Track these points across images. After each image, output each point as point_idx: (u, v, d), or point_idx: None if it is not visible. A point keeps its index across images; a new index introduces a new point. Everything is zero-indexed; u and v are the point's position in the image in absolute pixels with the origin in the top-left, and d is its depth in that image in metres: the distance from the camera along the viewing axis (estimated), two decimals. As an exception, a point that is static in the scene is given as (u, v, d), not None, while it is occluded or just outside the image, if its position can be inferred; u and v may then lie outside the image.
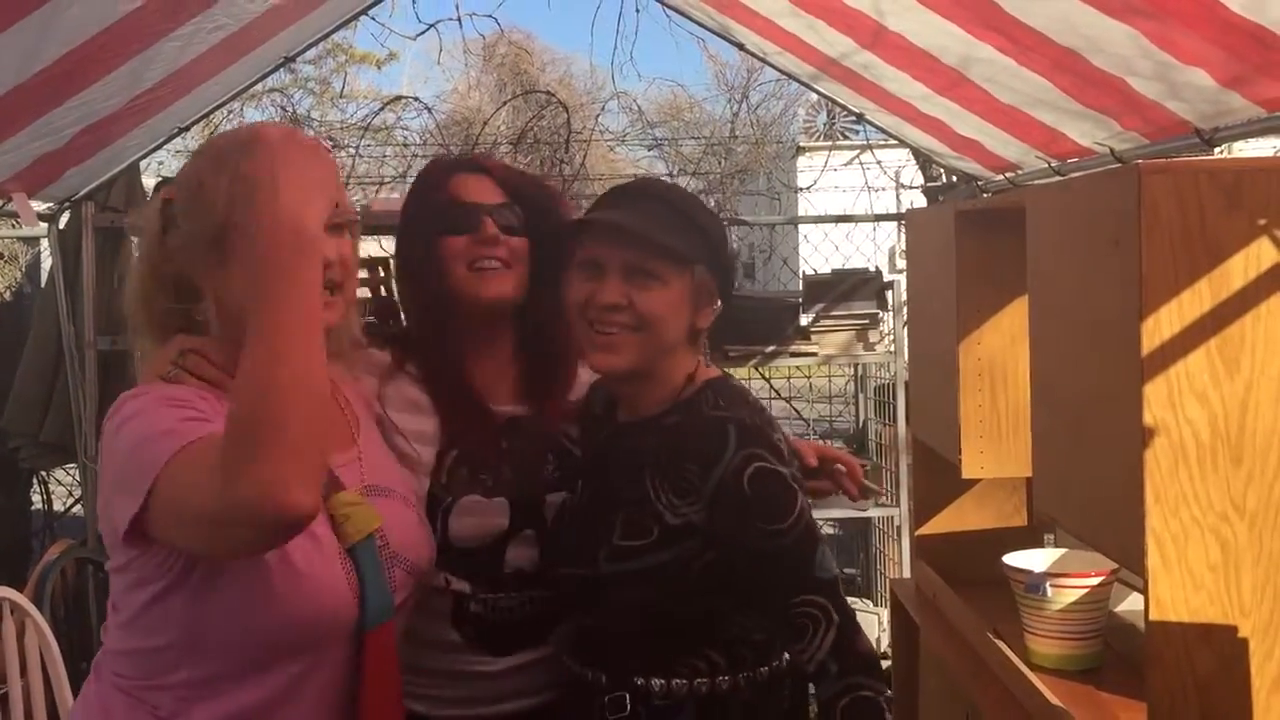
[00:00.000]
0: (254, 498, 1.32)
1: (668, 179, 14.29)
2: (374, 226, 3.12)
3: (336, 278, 1.68)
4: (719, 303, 1.90)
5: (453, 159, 2.11)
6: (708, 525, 1.77)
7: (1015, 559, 2.36)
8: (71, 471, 5.42)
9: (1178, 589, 1.69)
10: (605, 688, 1.84)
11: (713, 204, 13.24)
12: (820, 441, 3.33)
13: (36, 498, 5.76)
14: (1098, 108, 2.97)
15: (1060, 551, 2.44)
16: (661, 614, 1.81)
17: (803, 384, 6.68)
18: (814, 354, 4.61)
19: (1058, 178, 3.37)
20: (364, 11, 4.44)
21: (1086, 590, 2.19)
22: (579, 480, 1.95)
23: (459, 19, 6.40)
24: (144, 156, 4.47)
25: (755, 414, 1.86)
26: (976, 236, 2.64)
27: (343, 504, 1.67)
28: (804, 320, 4.58)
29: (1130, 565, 1.81)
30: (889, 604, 3.40)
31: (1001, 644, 2.35)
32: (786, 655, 1.89)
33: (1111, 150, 3.08)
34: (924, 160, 4.96)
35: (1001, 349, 2.62)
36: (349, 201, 1.77)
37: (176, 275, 1.67)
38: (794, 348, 4.56)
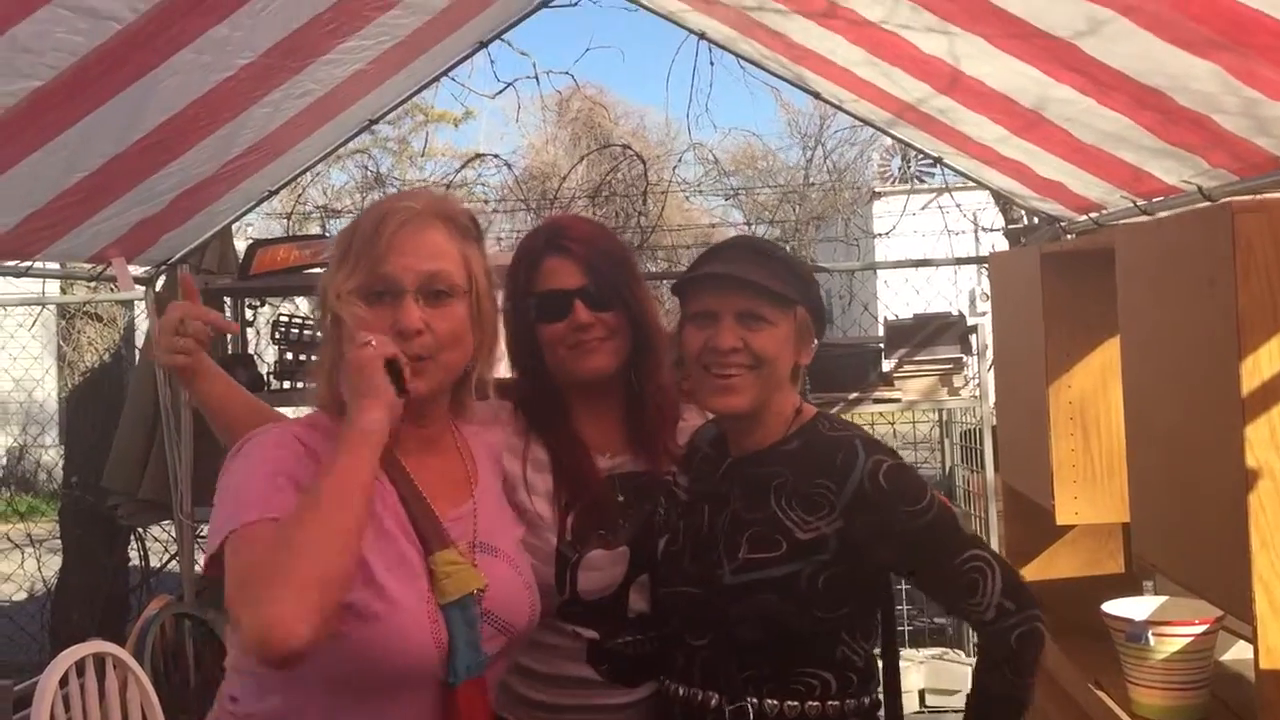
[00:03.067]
0: (254, 639, 1.47)
1: (745, 227, 14.34)
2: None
3: (427, 346, 1.74)
4: (815, 341, 2.03)
5: (542, 240, 2.15)
6: (844, 533, 1.89)
7: (1115, 607, 2.31)
8: (167, 528, 5.54)
9: (1289, 637, 1.64)
10: (721, 708, 1.90)
11: (789, 251, 13.23)
12: None
13: (133, 554, 5.91)
14: (1183, 145, 2.93)
15: (1162, 599, 2.38)
16: (782, 625, 1.89)
17: (886, 430, 6.62)
18: (898, 400, 4.58)
19: (1145, 217, 3.32)
20: (445, 73, 4.54)
21: (1191, 639, 2.13)
22: (704, 508, 2.03)
23: (536, 76, 6.52)
24: (236, 219, 4.61)
25: (864, 432, 2.04)
26: (1063, 278, 2.62)
27: (444, 562, 1.71)
28: (886, 366, 4.55)
29: (1237, 612, 1.76)
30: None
31: (1104, 695, 2.30)
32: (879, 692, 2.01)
33: (1199, 188, 3.02)
34: (1004, 202, 4.92)
35: (1093, 391, 2.59)
36: (456, 268, 1.80)
37: None
38: (877, 394, 4.52)
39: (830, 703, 1.90)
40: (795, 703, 1.89)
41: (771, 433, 2.00)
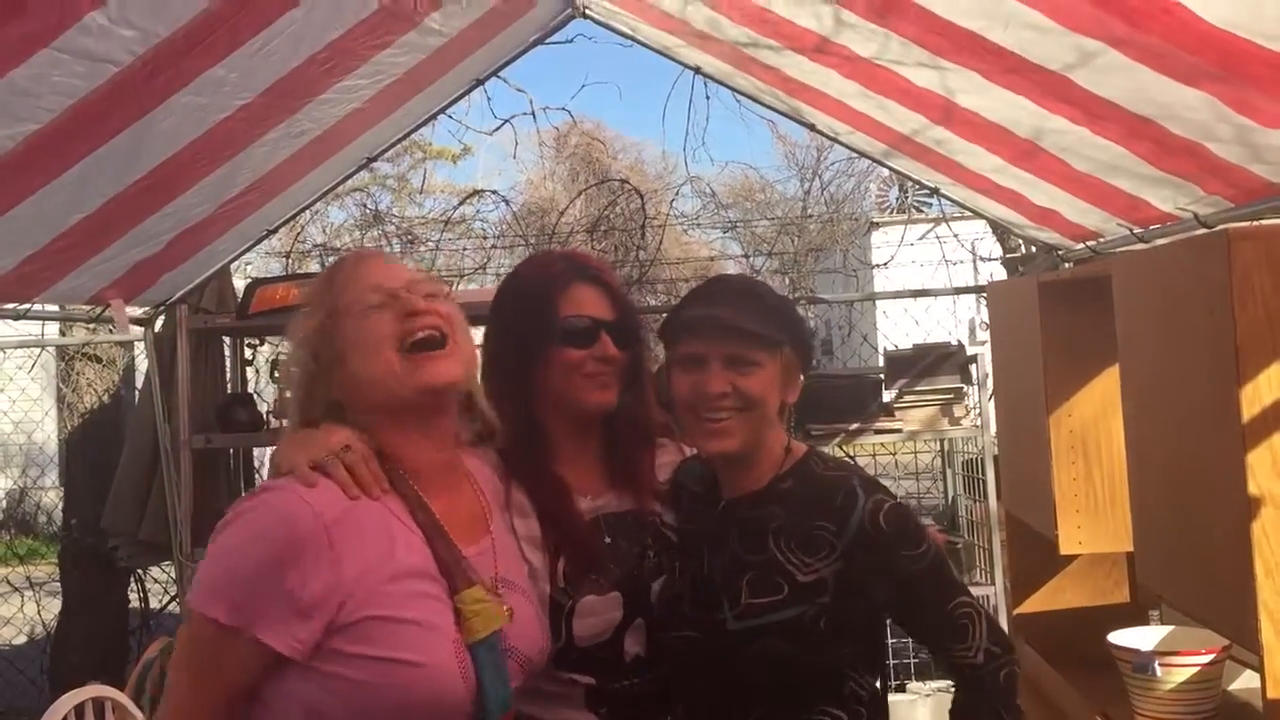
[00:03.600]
0: None
1: (743, 259, 14.38)
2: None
3: (442, 328, 1.76)
4: (802, 378, 2.03)
5: (565, 267, 2.14)
6: (844, 574, 1.88)
7: (1121, 637, 2.29)
8: (167, 569, 5.52)
9: (1296, 666, 1.63)
10: None
11: (787, 283, 13.27)
12: None
13: (133, 595, 5.88)
14: (1177, 173, 2.94)
15: (1168, 629, 2.37)
16: (787, 668, 1.87)
17: (888, 461, 6.60)
18: (898, 430, 4.57)
19: (1142, 245, 3.32)
20: (442, 110, 4.56)
21: (1198, 669, 2.12)
22: (700, 551, 2.01)
23: (533, 112, 6.57)
24: (235, 259, 4.61)
25: (859, 469, 2.05)
26: (1061, 307, 2.62)
27: (472, 600, 1.70)
28: (887, 396, 4.54)
29: (1243, 641, 1.75)
30: (989, 686, 3.31)
31: (1111, 727, 2.28)
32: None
33: (1196, 215, 3.03)
34: (1002, 232, 4.92)
35: (1093, 420, 2.58)
36: (423, 278, 1.85)
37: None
38: (878, 424, 4.51)
39: None
40: None
41: (765, 472, 1.99)
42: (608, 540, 2.04)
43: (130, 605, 5.85)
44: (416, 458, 1.78)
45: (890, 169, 4.77)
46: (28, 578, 7.26)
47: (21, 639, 7.26)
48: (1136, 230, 3.42)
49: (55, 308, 4.12)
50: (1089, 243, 3.86)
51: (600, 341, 2.05)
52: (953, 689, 1.97)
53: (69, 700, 2.78)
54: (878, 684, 2.00)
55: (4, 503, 11.82)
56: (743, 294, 2.01)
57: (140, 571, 5.74)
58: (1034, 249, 4.47)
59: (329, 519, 1.64)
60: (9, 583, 7.33)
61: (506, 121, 6.36)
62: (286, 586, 1.59)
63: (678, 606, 1.98)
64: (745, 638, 1.88)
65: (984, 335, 4.58)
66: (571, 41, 4.76)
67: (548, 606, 1.96)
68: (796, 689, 1.89)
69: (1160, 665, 2.14)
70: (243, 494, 4.85)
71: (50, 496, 10.37)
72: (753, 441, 1.96)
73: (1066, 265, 4.07)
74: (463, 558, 1.75)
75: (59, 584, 5.94)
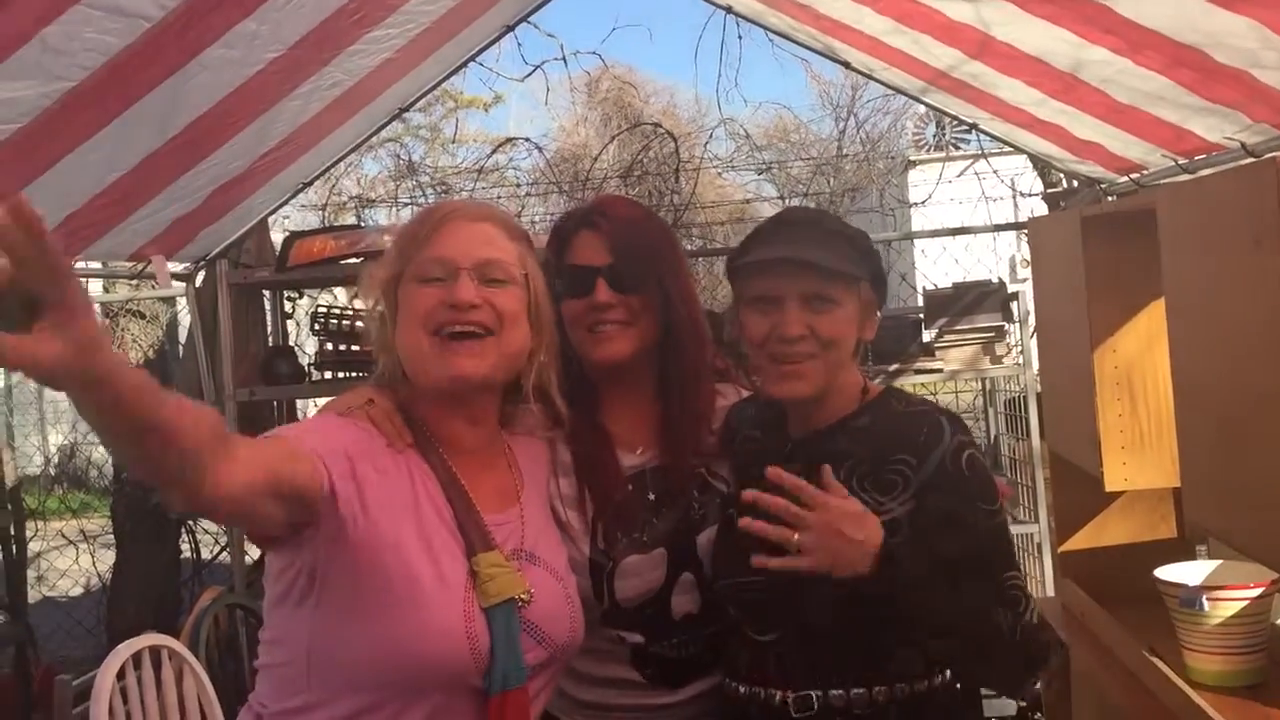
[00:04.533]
0: None
1: (779, 201, 14.25)
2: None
3: (487, 324, 1.72)
4: (878, 313, 1.95)
5: (578, 215, 2.08)
6: (915, 515, 1.79)
7: (1168, 572, 2.28)
8: (217, 520, 5.59)
9: (1347, 598, 1.62)
10: (808, 702, 1.82)
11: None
12: None
13: (185, 547, 5.99)
14: (1222, 101, 2.87)
15: (1215, 563, 2.35)
16: (859, 614, 1.78)
17: (929, 401, 6.57)
18: (939, 370, 4.53)
19: (1187, 176, 3.26)
20: (473, 58, 4.53)
21: (1247, 602, 2.11)
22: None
23: (564, 58, 6.51)
24: (272, 213, 4.63)
25: (945, 408, 1.94)
26: (1105, 241, 2.58)
27: (489, 564, 1.68)
28: (927, 336, 4.50)
29: (1293, 575, 1.74)
30: (1033, 623, 3.31)
31: (1159, 661, 2.27)
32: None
33: (1242, 144, 2.97)
34: (1042, 166, 4.84)
35: (1138, 355, 2.55)
36: (511, 260, 1.79)
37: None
38: (918, 365, 4.47)
39: (918, 683, 1.82)
40: (883, 687, 1.81)
41: (837, 410, 1.91)
42: (651, 497, 1.98)
43: (182, 556, 5.97)
44: (450, 430, 1.77)
45: (927, 105, 4.69)
46: (81, 530, 7.41)
47: (78, 590, 7.43)
48: (1181, 161, 3.35)
49: (98, 265, 4.15)
50: (1132, 175, 3.79)
51: (594, 289, 1.96)
52: None
53: (126, 649, 2.84)
54: None
55: (56, 458, 12.03)
56: (816, 228, 1.90)
57: (191, 523, 5.84)
58: (1075, 183, 4.40)
59: (353, 452, 1.66)
60: (64, 535, 7.49)
61: (537, 68, 6.30)
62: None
63: (741, 554, 1.87)
64: (813, 582, 1.76)
65: (1024, 273, 4.53)
66: (601, -17, 4.70)
67: (587, 570, 1.93)
68: (873, 632, 1.81)
69: (1208, 600, 2.13)
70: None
71: (100, 451, 10.52)
72: (827, 383, 1.87)
73: (1109, 198, 4.01)
74: (483, 524, 1.72)
75: (112, 536, 6.06)
